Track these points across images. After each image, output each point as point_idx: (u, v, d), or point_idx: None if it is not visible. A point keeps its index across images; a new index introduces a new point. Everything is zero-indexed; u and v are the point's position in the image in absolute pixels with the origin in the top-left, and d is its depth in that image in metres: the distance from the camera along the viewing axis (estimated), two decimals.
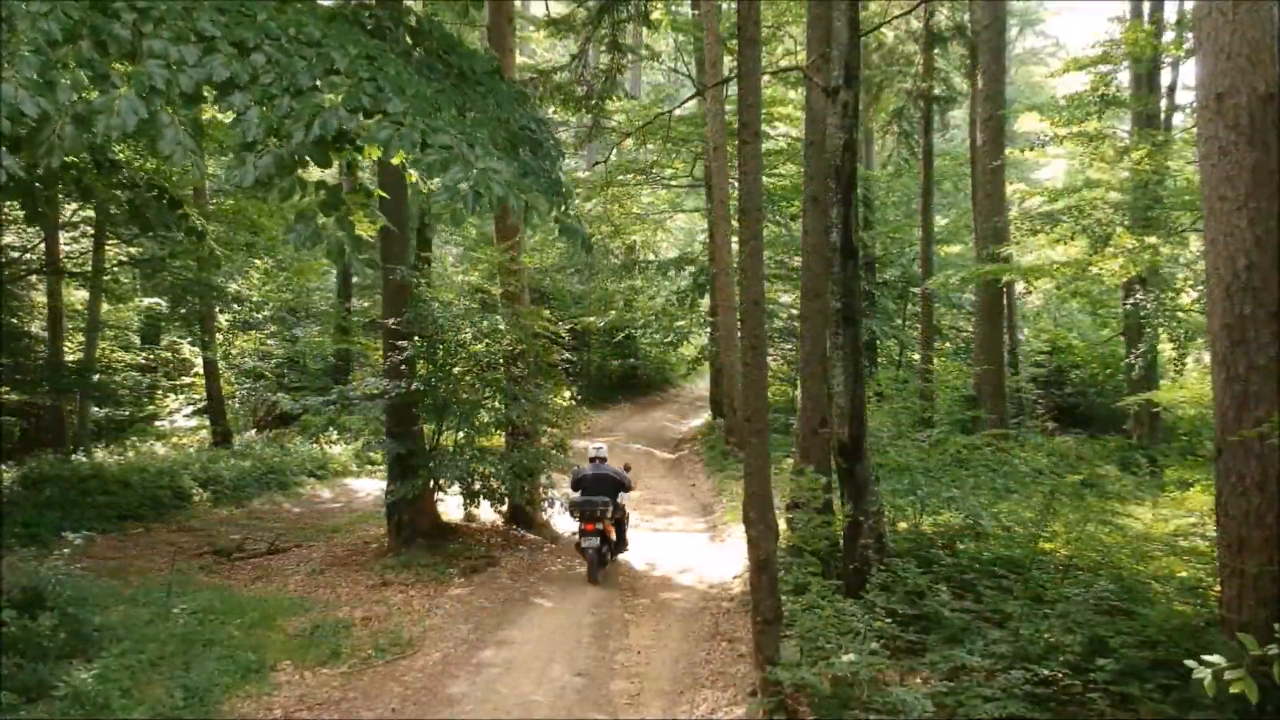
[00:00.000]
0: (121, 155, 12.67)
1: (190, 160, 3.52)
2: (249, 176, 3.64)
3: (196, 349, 24.09)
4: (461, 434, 14.04)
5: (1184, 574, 9.04)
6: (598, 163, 23.05)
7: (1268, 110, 6.14)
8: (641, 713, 8.18)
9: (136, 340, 25.48)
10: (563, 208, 4.42)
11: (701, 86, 21.75)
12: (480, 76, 4.46)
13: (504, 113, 4.38)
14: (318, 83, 3.62)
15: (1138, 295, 19.20)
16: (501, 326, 14.40)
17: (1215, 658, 3.95)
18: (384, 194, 12.10)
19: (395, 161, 4.11)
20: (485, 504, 14.48)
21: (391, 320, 13.69)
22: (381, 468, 17.09)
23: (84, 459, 17.89)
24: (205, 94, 3.72)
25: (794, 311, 20.13)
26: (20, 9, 3.32)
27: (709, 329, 26.63)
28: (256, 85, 3.55)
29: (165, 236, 9.70)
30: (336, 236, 3.82)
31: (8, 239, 18.33)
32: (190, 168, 3.56)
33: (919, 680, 7.44)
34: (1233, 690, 3.85)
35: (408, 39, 4.37)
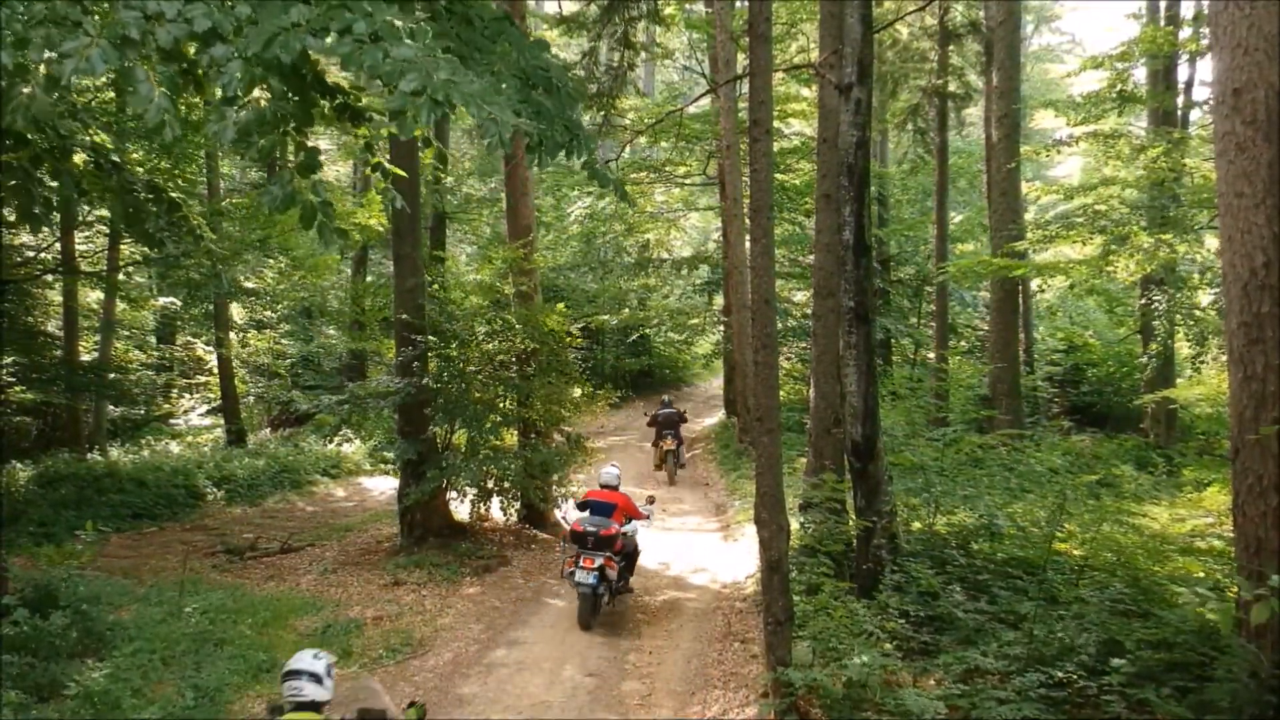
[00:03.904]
0: (128, 156, 12.65)
1: (165, 118, 3.38)
2: (229, 132, 3.54)
3: (211, 348, 24.19)
4: (474, 433, 14.03)
5: (1201, 575, 8.95)
6: (609, 160, 23.00)
7: None
8: (653, 713, 8.15)
9: (152, 339, 25.59)
10: (586, 152, 4.29)
11: (713, 83, 21.68)
12: (488, 23, 4.33)
13: (515, 53, 4.27)
14: (291, 11, 3.50)
15: (1154, 296, 19.06)
16: (514, 324, 14.39)
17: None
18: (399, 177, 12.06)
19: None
20: (497, 503, 14.49)
21: (404, 317, 13.70)
22: (395, 466, 17.12)
23: (99, 458, 17.98)
24: (186, 51, 3.59)
25: (808, 310, 20.07)
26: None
27: (723, 327, 26.55)
28: (240, 38, 3.43)
29: (165, 239, 9.56)
30: (309, 200, 3.67)
31: (23, 238, 18.41)
32: (165, 128, 3.41)
33: (932, 682, 7.38)
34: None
35: None
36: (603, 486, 11.19)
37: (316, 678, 5.26)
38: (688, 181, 28.54)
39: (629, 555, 10.91)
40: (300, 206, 3.74)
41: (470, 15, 4.36)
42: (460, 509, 14.52)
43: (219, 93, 3.59)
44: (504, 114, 3.55)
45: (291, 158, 3.79)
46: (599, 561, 10.04)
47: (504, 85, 4.04)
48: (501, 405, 14.84)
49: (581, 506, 10.95)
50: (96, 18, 3.32)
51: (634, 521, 11.05)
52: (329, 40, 3.54)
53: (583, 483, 16.10)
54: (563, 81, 4.46)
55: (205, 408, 25.82)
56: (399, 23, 3.74)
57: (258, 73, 3.41)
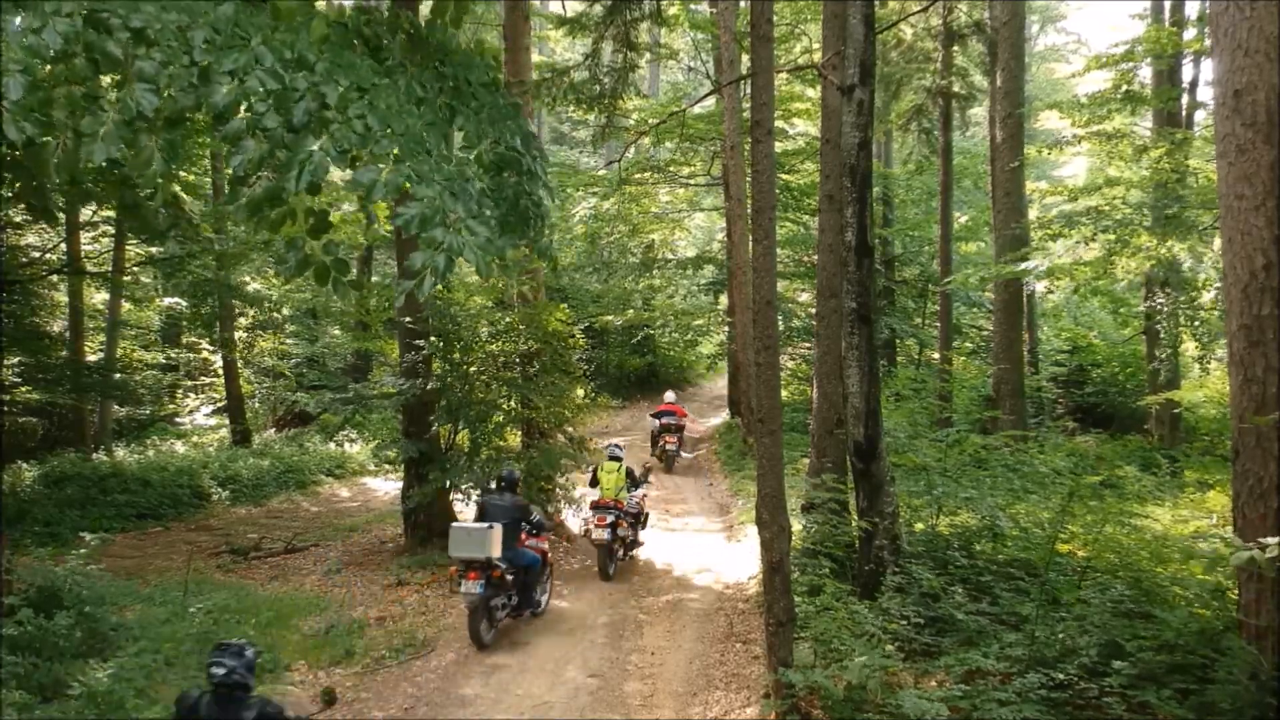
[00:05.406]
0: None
1: (158, 182, 3.51)
2: (243, 212, 3.75)
3: (216, 348, 24.24)
4: (477, 434, 14.04)
5: (1203, 577, 8.94)
6: (612, 161, 22.95)
7: None
8: (655, 714, 8.17)
9: (157, 340, 25.65)
10: (541, 228, 4.45)
11: (717, 84, 21.67)
12: (476, 89, 4.41)
13: (496, 132, 4.37)
14: (309, 120, 3.62)
15: (1159, 299, 19.03)
16: (518, 325, 14.39)
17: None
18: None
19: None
20: None
21: (408, 319, 13.71)
22: (399, 466, 17.15)
23: (104, 458, 18.02)
24: (188, 118, 3.73)
25: (812, 310, 20.08)
26: (10, 25, 3.26)
27: (728, 328, 26.55)
28: (250, 114, 3.57)
29: (170, 237, 9.60)
30: (322, 261, 3.89)
31: (29, 239, 18.46)
32: (159, 185, 3.56)
33: (934, 683, 7.39)
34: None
35: (404, 47, 4.34)
36: (666, 404, 21.02)
37: (621, 447, 13.46)
38: (692, 182, 28.50)
39: (682, 437, 21.15)
40: (314, 268, 4.01)
41: (460, 81, 4.46)
42: (464, 509, 14.53)
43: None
44: (503, 252, 3.80)
45: (300, 223, 3.98)
46: (675, 439, 20.50)
47: (482, 172, 4.22)
48: (505, 406, 14.85)
49: (656, 416, 20.86)
50: (113, 95, 3.42)
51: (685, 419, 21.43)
52: (358, 172, 3.73)
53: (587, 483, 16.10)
54: (532, 157, 4.60)
55: (210, 408, 25.87)
56: (417, 126, 3.86)
57: (266, 150, 3.55)
